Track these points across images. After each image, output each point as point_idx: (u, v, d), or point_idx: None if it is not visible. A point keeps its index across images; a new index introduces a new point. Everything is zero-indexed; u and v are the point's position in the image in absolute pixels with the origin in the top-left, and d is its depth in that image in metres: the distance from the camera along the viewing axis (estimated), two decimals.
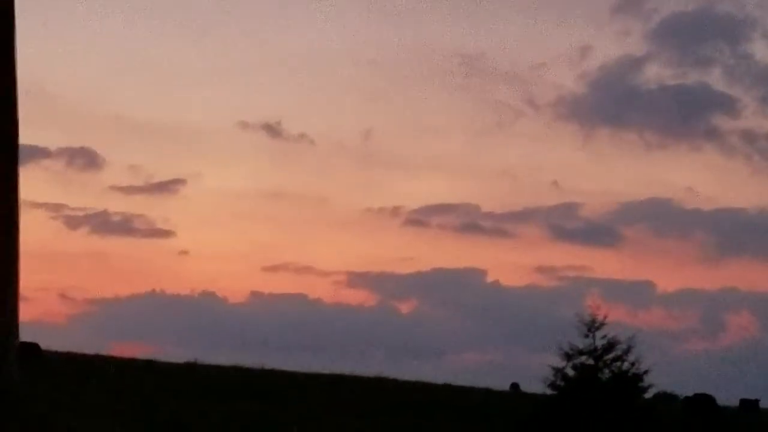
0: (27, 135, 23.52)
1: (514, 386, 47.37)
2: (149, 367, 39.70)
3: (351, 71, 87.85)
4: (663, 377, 27.36)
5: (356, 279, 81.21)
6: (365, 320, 76.43)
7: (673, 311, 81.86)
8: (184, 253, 79.69)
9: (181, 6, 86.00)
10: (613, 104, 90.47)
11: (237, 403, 31.94)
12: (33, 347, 37.86)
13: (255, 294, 79.09)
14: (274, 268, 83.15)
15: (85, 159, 78.39)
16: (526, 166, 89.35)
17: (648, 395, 26.13)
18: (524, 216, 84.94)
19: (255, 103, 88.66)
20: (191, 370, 39.22)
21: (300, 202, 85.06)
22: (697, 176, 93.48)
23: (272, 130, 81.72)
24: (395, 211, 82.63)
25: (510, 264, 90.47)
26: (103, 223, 77.84)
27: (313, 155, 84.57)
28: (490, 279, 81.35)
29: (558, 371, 25.28)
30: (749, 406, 44.69)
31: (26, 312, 23.69)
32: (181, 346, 69.55)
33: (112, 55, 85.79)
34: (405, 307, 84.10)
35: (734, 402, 44.55)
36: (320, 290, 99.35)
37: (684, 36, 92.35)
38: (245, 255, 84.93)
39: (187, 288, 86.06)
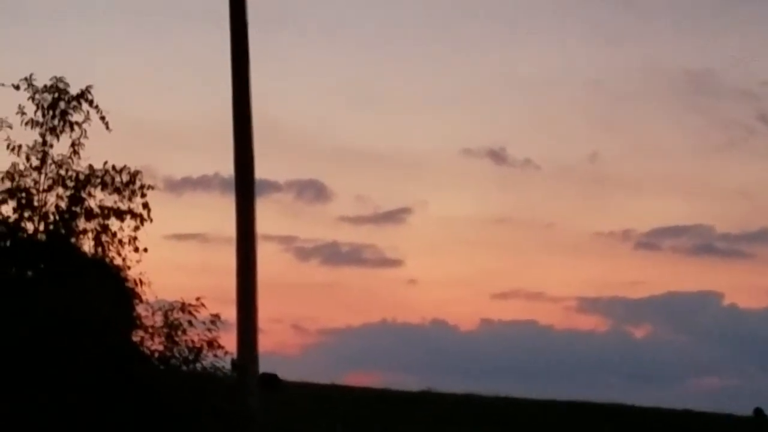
0: (258, 169, 24.11)
1: (758, 411, 45.99)
2: (384, 396, 40.08)
3: (574, 93, 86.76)
4: None
5: (587, 304, 79.78)
6: (598, 346, 75.01)
7: None
8: (413, 281, 79.99)
9: (402, 32, 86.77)
10: None
11: (473, 431, 31.97)
12: (272, 378, 38.70)
13: (485, 321, 78.53)
14: (503, 295, 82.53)
15: (313, 191, 79.75)
16: (760, 184, 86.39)
17: None
18: (761, 236, 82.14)
19: (478, 129, 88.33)
20: (425, 398, 39.41)
21: (527, 228, 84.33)
22: None
23: (496, 156, 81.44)
24: (625, 234, 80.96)
25: (747, 286, 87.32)
26: (333, 254, 78.97)
27: (538, 180, 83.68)
28: (726, 302, 78.82)
29: None
30: None
31: (262, 343, 24.18)
32: (414, 374, 69.76)
33: (337, 87, 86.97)
34: (638, 332, 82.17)
35: None
36: (551, 316, 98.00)
37: None
38: (473, 282, 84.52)
39: (417, 316, 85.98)
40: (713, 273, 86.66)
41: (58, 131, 20.74)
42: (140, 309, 20.59)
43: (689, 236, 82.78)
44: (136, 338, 20.23)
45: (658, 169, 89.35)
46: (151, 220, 21.25)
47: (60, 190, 20.68)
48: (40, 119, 20.64)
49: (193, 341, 20.79)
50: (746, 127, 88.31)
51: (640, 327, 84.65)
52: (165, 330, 20.48)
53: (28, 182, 20.51)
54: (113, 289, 19.90)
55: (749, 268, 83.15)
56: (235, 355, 23.27)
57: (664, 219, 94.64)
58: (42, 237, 20.39)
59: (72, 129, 20.80)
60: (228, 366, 22.44)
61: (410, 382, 48.92)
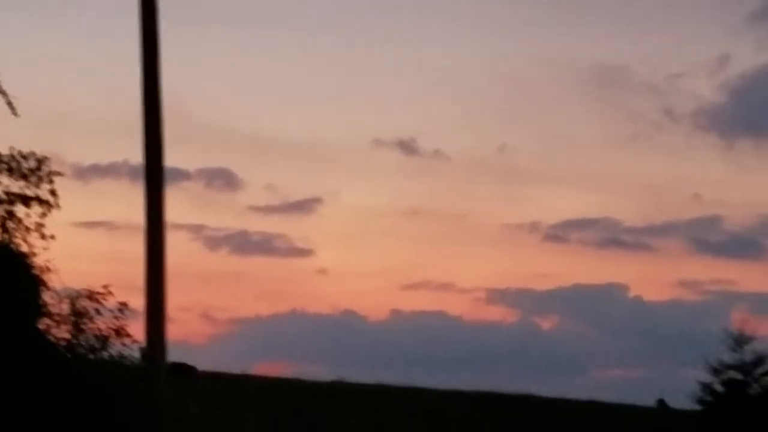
0: (168, 157, 23.97)
1: (661, 402, 46.69)
2: (294, 385, 40.10)
3: (485, 86, 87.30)
4: None
5: (496, 295, 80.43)
6: (506, 337, 75.70)
7: None
8: (323, 271, 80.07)
9: (315, 25, 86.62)
10: (754, 114, 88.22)
11: (383, 420, 32.11)
12: (185, 367, 38.49)
13: (395, 312, 78.84)
14: (413, 286, 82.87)
15: (223, 179, 79.43)
16: (666, 178, 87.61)
17: None
18: (666, 230, 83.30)
19: (389, 120, 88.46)
20: (336, 388, 39.51)
21: (438, 220, 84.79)
22: None
23: (407, 147, 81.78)
24: (533, 226, 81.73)
25: (652, 279, 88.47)
26: (243, 243, 78.67)
27: (449, 171, 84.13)
28: (632, 294, 79.97)
29: (706, 386, 24.90)
30: None
31: (171, 332, 24.06)
32: (325, 364, 69.87)
33: (248, 76, 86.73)
34: (546, 324, 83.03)
35: None
36: (460, 307, 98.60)
37: None
38: (383, 273, 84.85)
39: (327, 306, 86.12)
40: (619, 266, 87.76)
41: None
42: (47, 297, 20.41)
43: (596, 229, 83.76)
44: (42, 326, 20.05)
45: (567, 162, 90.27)
46: (59, 207, 21.11)
47: None
48: None
49: (100, 329, 20.69)
50: (653, 122, 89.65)
51: (547, 318, 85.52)
52: (72, 318, 20.34)
53: None
54: (18, 276, 19.70)
55: (654, 261, 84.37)
56: (143, 344, 23.17)
57: (572, 212, 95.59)
58: None
59: None
60: (136, 355, 22.33)
61: (321, 372, 48.98)
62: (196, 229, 78.84)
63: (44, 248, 20.69)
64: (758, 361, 24.71)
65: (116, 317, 20.90)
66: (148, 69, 24.10)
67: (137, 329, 23.23)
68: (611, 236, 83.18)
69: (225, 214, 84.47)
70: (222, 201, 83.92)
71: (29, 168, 20.83)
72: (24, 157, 20.80)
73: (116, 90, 56.39)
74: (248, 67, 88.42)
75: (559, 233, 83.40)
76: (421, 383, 42.19)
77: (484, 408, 36.99)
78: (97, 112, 66.63)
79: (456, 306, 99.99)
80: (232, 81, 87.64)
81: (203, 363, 41.96)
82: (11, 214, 20.60)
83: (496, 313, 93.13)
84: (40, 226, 20.74)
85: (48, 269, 20.45)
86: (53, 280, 20.57)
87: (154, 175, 23.83)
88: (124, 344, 21.22)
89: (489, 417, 34.97)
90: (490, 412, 36.03)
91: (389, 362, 66.20)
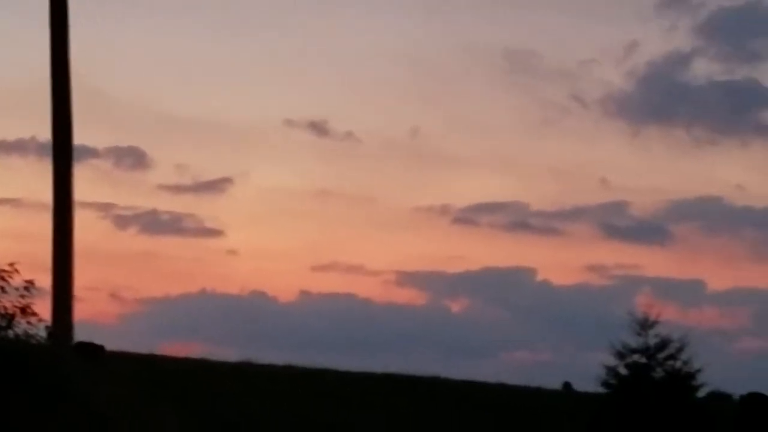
0: (76, 135, 23.77)
1: (567, 385, 47.21)
2: (203, 365, 39.94)
3: (397, 69, 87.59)
4: (715, 376, 27.17)
5: (406, 278, 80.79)
6: (416, 319, 76.08)
7: (724, 310, 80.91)
8: (233, 252, 79.82)
9: (228, 4, 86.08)
10: (661, 100, 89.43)
11: (291, 402, 32.10)
12: (94, 347, 38.25)
13: (304, 293, 78.84)
14: (323, 268, 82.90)
15: (133, 158, 78.72)
16: (574, 163, 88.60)
17: (701, 394, 26.02)
18: (574, 214, 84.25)
19: (300, 101, 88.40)
20: (245, 369, 39.42)
21: (348, 201, 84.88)
22: (747, 173, 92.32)
23: (318, 128, 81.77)
24: (444, 209, 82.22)
25: (560, 263, 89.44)
26: (152, 223, 78.08)
27: (360, 153, 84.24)
28: (540, 278, 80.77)
29: (611, 370, 25.24)
30: None
31: (78, 311, 23.91)
32: (233, 344, 69.69)
33: (159, 56, 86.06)
34: (455, 306, 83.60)
35: None
36: (370, 289, 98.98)
37: (732, 31, 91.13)
38: (293, 254, 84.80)
39: (236, 287, 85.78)
40: (528, 249, 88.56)
41: None
42: None
43: (505, 212, 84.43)
44: None
45: (477, 146, 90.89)
46: None
47: None
48: None
49: (5, 308, 20.48)
50: (562, 107, 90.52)
51: (456, 301, 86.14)
52: None
53: None
54: None
55: (562, 245, 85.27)
56: (49, 323, 22.96)
57: (482, 195, 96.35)
58: None
59: None
60: (42, 334, 22.12)
61: (229, 353, 48.84)
62: (105, 208, 78.05)
63: None
64: (662, 345, 25.12)
65: (22, 296, 20.71)
66: (56, 46, 23.84)
67: (44, 308, 23.04)
68: (520, 220, 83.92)
69: (134, 193, 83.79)
70: (131, 180, 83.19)
71: None
72: None
73: (25, 66, 55.70)
74: (160, 46, 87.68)
75: (469, 216, 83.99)
76: (330, 365, 42.26)
77: (393, 390, 37.14)
78: (3, 87, 65.74)
79: (366, 288, 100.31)
80: (143, 59, 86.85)
81: (111, 343, 41.64)
82: None
83: (405, 296, 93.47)
84: None
85: None
86: None
87: (63, 153, 23.62)
88: (30, 323, 21.03)
89: (398, 399, 35.13)
90: (399, 395, 36.19)
91: (298, 344, 66.19)
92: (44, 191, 23.78)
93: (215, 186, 79.01)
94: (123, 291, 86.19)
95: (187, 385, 33.10)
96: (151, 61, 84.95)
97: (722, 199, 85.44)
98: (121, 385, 30.66)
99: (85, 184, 70.47)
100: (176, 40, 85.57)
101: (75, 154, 23.66)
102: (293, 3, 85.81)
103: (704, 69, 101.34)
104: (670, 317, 27.09)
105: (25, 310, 21.01)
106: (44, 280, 22.90)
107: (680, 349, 25.17)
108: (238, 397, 31.66)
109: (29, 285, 21.06)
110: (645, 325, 25.21)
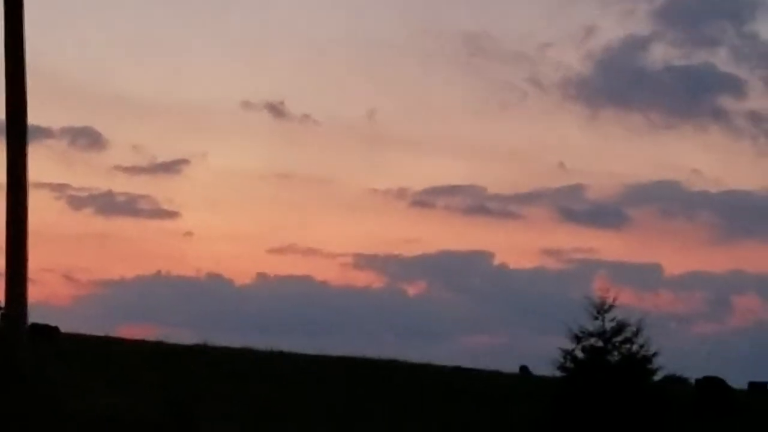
0: (31, 115, 23.53)
1: (524, 369, 47.36)
2: (159, 348, 39.75)
3: (354, 51, 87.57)
4: (672, 360, 27.24)
5: (363, 261, 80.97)
6: (373, 302, 76.30)
7: (680, 294, 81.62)
8: (189, 234, 79.66)
9: None
10: (618, 85, 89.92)
11: (249, 385, 31.99)
12: (48, 329, 38.11)
13: (261, 275, 78.82)
14: (280, 250, 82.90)
15: (88, 138, 78.29)
16: (532, 147, 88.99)
17: (657, 378, 26.07)
18: (531, 198, 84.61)
19: (258, 82, 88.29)
20: (202, 351, 39.26)
21: (305, 184, 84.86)
22: (704, 158, 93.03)
23: (275, 110, 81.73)
24: (401, 192, 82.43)
25: (517, 246, 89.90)
26: (107, 204, 77.79)
27: (317, 136, 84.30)
28: (497, 261, 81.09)
29: (567, 354, 25.25)
30: (758, 388, 44.63)
31: (32, 293, 23.74)
32: (189, 327, 69.61)
33: (115, 36, 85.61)
34: (412, 290, 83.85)
35: (743, 385, 44.42)
36: (327, 272, 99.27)
37: (689, 15, 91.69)
38: (250, 236, 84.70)
39: (192, 269, 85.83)
40: (485, 233, 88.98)
41: None
42: None
43: (463, 196, 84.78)
44: None
45: (435, 129, 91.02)
46: None
47: None
48: None
49: None
50: (520, 90, 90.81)
51: (414, 284, 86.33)
52: None
53: None
54: None
55: (519, 229, 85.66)
56: (2, 305, 22.77)
57: (439, 178, 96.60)
58: None
59: None
60: None
61: (186, 336, 48.70)
62: (60, 189, 77.54)
63: None
64: (619, 328, 25.14)
65: None
66: (10, 26, 23.58)
67: None
68: (477, 203, 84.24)
69: (89, 174, 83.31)
70: (86, 160, 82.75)
71: None
72: None
73: None
74: (116, 27, 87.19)
75: (426, 199, 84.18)
76: (287, 348, 42.23)
77: (350, 373, 37.11)
78: None
79: (323, 271, 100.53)
80: (98, 40, 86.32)
81: (66, 325, 41.47)
82: None
83: (362, 279, 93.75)
84: None
85: None
86: None
87: (16, 133, 23.37)
88: None
89: (355, 382, 35.10)
90: (357, 378, 36.16)
91: (255, 326, 66.20)
92: None
93: (171, 167, 78.76)
94: (77, 273, 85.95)
95: (141, 367, 32.93)
96: (107, 41, 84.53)
97: (679, 184, 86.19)
98: (74, 366, 30.46)
99: (39, 165, 69.89)
100: (134, 20, 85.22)
101: (29, 134, 23.43)
102: None
103: (662, 54, 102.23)
104: (627, 301, 27.11)
105: None
106: None
107: (637, 333, 25.19)
108: (194, 380, 31.52)
109: None
110: (602, 308, 25.21)
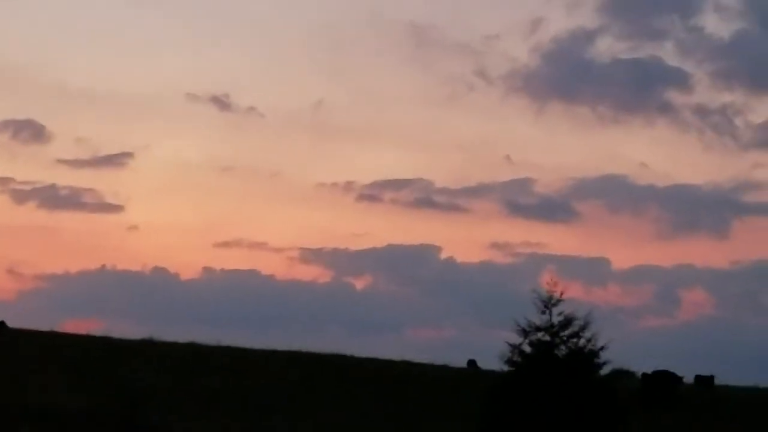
0: None
1: (471, 363, 47.43)
2: (105, 342, 39.50)
3: (300, 42, 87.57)
4: (619, 353, 27.38)
5: (309, 255, 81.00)
6: (319, 296, 76.33)
7: (628, 288, 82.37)
8: (134, 227, 79.40)
9: None
10: (565, 78, 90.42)
11: (196, 379, 31.91)
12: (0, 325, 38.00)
13: (207, 269, 78.66)
14: (226, 244, 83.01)
15: (30, 131, 77.90)
16: (478, 140, 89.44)
17: (604, 371, 26.19)
18: (478, 191, 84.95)
19: (202, 74, 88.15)
20: (148, 345, 39.06)
21: (252, 177, 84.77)
22: (651, 151, 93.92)
23: (221, 102, 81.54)
24: (348, 186, 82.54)
25: (465, 240, 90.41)
26: (51, 197, 77.40)
27: (263, 128, 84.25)
28: (444, 255, 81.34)
29: (515, 348, 25.27)
30: (704, 382, 44.99)
31: None
32: (135, 322, 69.31)
33: (58, 26, 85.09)
34: (359, 283, 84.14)
35: (689, 378, 44.76)
36: (273, 266, 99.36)
37: (636, 9, 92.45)
38: (196, 230, 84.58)
39: (138, 263, 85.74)
40: (432, 226, 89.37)
41: None
42: None
43: (410, 189, 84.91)
44: None
45: (382, 121, 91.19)
46: None
47: None
48: None
49: None
50: (466, 82, 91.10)
51: (360, 278, 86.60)
52: None
53: None
54: None
55: (466, 222, 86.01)
56: None
57: (386, 171, 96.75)
58: None
59: None
60: None
61: (132, 330, 48.45)
62: (2, 182, 76.98)
63: None
64: (566, 322, 25.20)
65: None
66: None
67: None
68: (425, 197, 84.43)
69: (33, 167, 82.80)
70: (29, 153, 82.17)
71: None
72: None
73: None
74: (59, 17, 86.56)
75: (373, 193, 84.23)
76: (232, 342, 42.07)
77: (297, 367, 37.04)
78: None
79: (269, 265, 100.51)
80: (41, 30, 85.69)
81: (11, 319, 41.13)
82: None
83: (309, 273, 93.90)
84: None
85: None
86: None
87: None
88: None
89: (302, 376, 35.04)
90: (304, 372, 36.10)
91: (201, 320, 65.99)
92: None
93: (115, 160, 78.36)
94: (21, 267, 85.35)
95: (88, 361, 32.75)
96: (50, 32, 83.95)
97: (626, 177, 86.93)
98: (20, 361, 30.22)
99: None
100: (77, 11, 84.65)
101: None
102: None
103: (609, 46, 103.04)
104: (575, 295, 27.22)
105: None
106: None
107: (584, 327, 25.25)
108: (140, 374, 31.39)
109: None
110: (549, 302, 25.25)
